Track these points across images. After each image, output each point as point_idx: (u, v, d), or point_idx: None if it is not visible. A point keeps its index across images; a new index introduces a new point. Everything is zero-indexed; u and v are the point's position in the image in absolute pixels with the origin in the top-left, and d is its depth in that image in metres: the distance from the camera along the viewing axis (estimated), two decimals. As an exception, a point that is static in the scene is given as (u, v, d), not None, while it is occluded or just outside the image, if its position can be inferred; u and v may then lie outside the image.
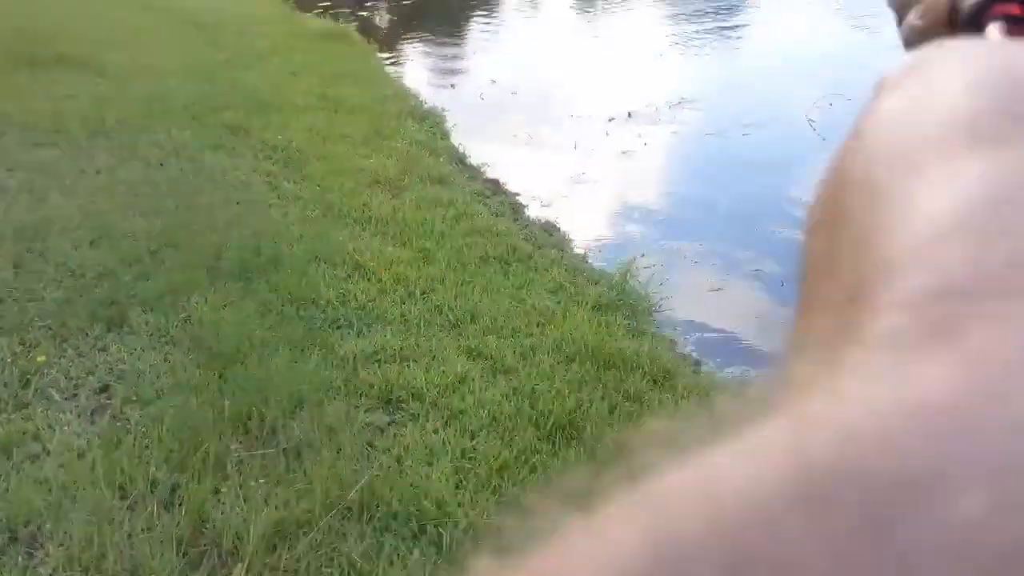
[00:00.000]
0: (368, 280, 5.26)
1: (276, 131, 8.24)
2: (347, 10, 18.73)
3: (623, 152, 8.33)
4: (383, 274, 5.32)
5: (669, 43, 12.68)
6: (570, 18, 16.08)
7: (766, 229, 6.40)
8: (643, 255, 6.22)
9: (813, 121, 8.42)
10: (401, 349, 4.50)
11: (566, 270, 5.72)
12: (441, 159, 8.06)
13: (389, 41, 15.14)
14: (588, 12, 16.32)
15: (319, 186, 6.93)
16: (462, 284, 5.32)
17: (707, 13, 14.64)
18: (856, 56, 10.63)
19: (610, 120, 9.24)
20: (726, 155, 8.02)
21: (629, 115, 9.27)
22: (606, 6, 16.51)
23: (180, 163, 7.11)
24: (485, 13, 17.70)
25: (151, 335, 4.40)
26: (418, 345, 4.55)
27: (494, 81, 11.43)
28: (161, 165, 7.02)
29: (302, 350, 4.41)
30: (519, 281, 5.47)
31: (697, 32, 13.32)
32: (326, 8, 19.12)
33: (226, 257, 5.30)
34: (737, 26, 13.84)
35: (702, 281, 5.81)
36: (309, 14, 17.38)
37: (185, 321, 4.56)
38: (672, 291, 5.65)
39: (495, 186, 7.67)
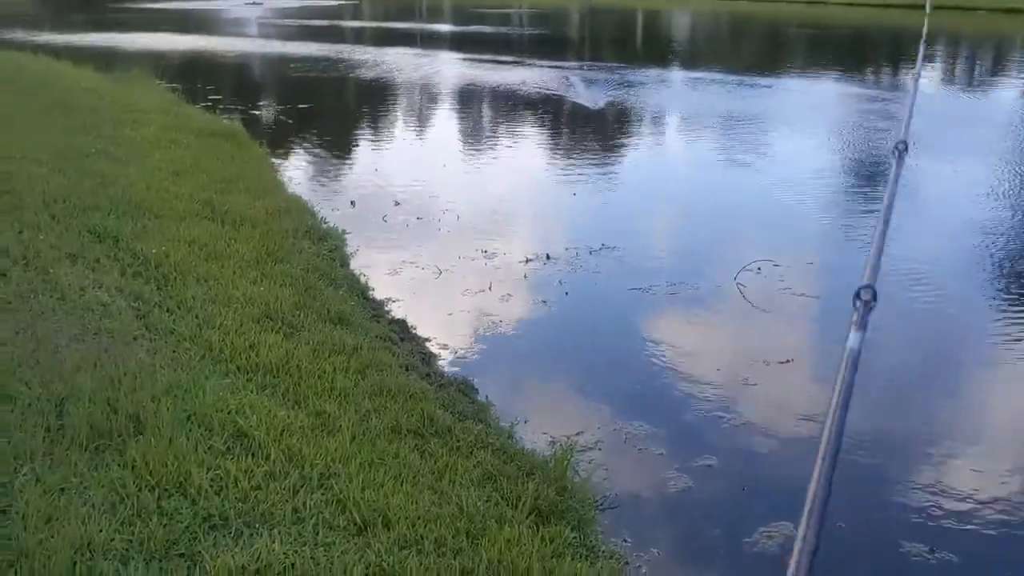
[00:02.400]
0: (252, 456, 4.19)
1: (151, 241, 7.12)
2: (237, 107, 17.79)
3: (543, 301, 7.53)
4: (271, 448, 4.26)
5: (580, 178, 12.17)
6: (470, 140, 15.53)
7: (714, 413, 5.64)
8: (577, 433, 5.36)
9: (743, 286, 7.87)
10: (292, 566, 3.44)
11: (493, 452, 4.78)
12: (341, 291, 7.09)
13: (283, 145, 14.22)
14: (492, 136, 15.81)
15: (197, 317, 5.84)
16: (370, 467, 4.31)
17: (611, 151, 14.33)
18: (781, 221, 10.31)
19: (527, 261, 8.48)
20: (657, 315, 7.32)
21: (548, 257, 8.54)
22: (507, 130, 16.07)
23: (27, 275, 5.90)
24: (384, 126, 17.03)
25: (-52, 537, 3.22)
26: (314, 561, 3.50)
27: (397, 203, 10.60)
28: (3, 275, 5.80)
29: (160, 565, 3.29)
30: (440, 465, 4.49)
31: (605, 172, 12.90)
32: (215, 102, 18.13)
33: (71, 413, 4.15)
34: (645, 166, 13.52)
35: (650, 476, 4.95)
36: (197, 106, 16.37)
37: (1, 515, 3.39)
38: (616, 485, 4.77)
39: (403, 329, 6.73)
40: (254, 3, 52.76)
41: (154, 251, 6.86)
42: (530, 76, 23.33)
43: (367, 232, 9.31)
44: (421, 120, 17.76)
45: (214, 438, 4.26)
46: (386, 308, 7.22)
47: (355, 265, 8.14)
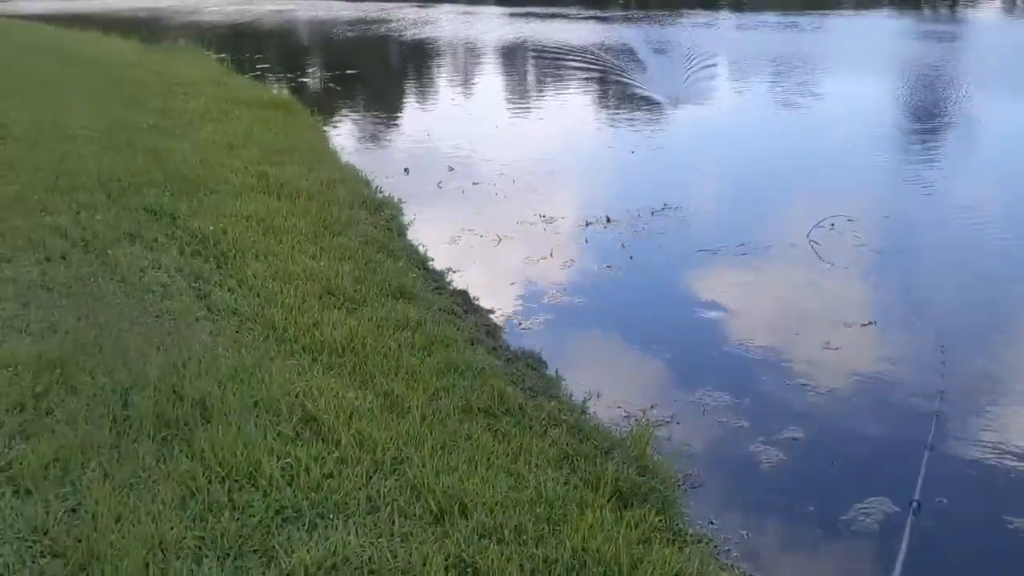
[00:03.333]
0: (323, 441, 4.05)
1: (208, 218, 7.01)
2: (285, 75, 17.66)
3: (608, 266, 7.30)
4: (341, 432, 4.12)
5: (641, 139, 11.84)
6: (520, 100, 15.21)
7: (796, 382, 5.38)
8: (652, 407, 5.15)
9: (817, 244, 7.55)
10: (369, 560, 3.29)
11: (568, 431, 4.59)
12: (401, 263, 6.92)
13: (333, 113, 14.06)
14: (541, 95, 15.46)
15: (258, 296, 5.71)
16: (443, 450, 4.14)
17: (665, 104, 13.93)
18: (852, 174, 9.90)
19: (587, 224, 8.24)
20: (727, 278, 7.05)
21: (608, 220, 8.28)
22: (555, 89, 15.71)
23: (87, 258, 5.82)
24: (432, 88, 16.78)
25: (17, 541, 3.11)
26: (392, 554, 3.35)
27: (451, 168, 10.39)
28: (63, 259, 5.73)
29: (234, 563, 3.17)
30: (514, 447, 4.32)
31: (661, 127, 12.54)
32: (263, 72, 18.02)
33: (136, 403, 4.05)
34: (702, 119, 13.12)
35: (733, 451, 4.73)
36: (246, 76, 16.28)
37: (71, 515, 3.29)
38: (698, 461, 4.57)
39: (465, 301, 6.54)
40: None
41: (211, 228, 6.75)
42: (580, 29, 22.89)
43: (423, 200, 9.12)
44: (469, 81, 17.49)
45: (282, 424, 4.12)
46: (447, 279, 7.04)
47: (413, 235, 7.96)
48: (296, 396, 4.40)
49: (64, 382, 4.16)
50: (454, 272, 7.21)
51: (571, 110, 13.86)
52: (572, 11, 27.54)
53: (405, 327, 5.56)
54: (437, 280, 6.96)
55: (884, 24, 22.82)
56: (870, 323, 6.14)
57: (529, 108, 14.31)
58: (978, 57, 18.03)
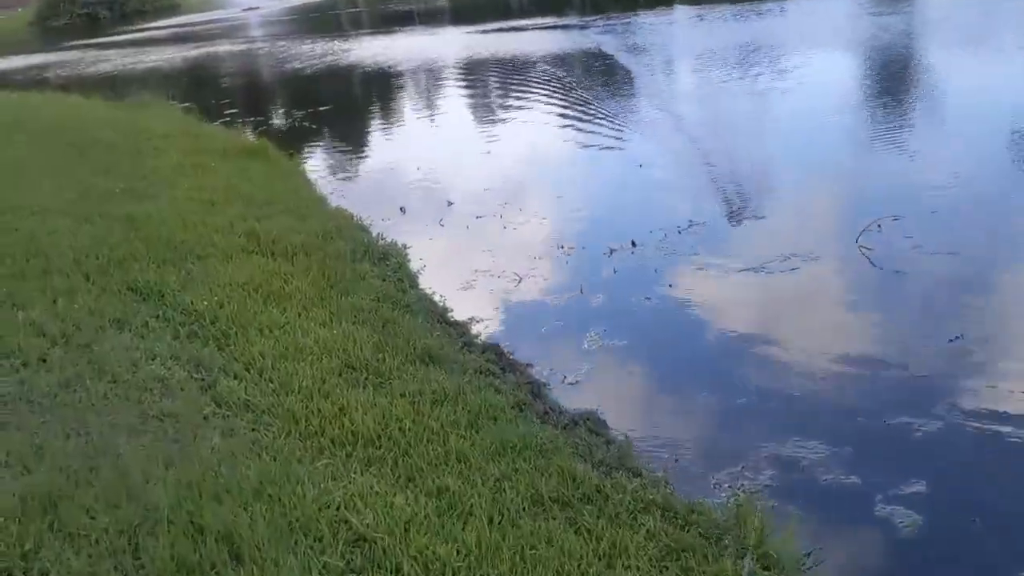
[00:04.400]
0: (380, 569, 3.33)
1: (199, 290, 6.28)
2: (255, 118, 16.96)
3: (646, 298, 6.61)
4: (400, 554, 3.40)
5: (639, 148, 11.19)
6: (505, 120, 14.54)
7: (898, 419, 4.70)
8: (741, 467, 4.45)
9: (867, 249, 6.90)
10: None
11: (662, 515, 3.89)
12: (420, 320, 6.21)
13: (312, 154, 13.36)
14: (527, 114, 14.77)
15: (271, 380, 4.99)
16: (523, 561, 3.44)
17: (657, 110, 13.27)
18: (885, 169, 9.26)
19: (612, 252, 7.55)
20: (784, 301, 6.38)
21: (633, 245, 7.60)
22: (540, 107, 15.04)
23: (70, 356, 5.07)
24: (412, 117, 16.10)
25: None
26: None
27: (451, 203, 9.70)
28: (43, 362, 4.99)
29: None
30: (605, 546, 3.60)
31: (661, 136, 11.90)
32: (232, 117, 17.31)
33: (150, 547, 3.32)
34: (699, 121, 12.47)
35: (851, 515, 4.04)
36: (215, 123, 15.57)
37: None
38: (818, 535, 3.87)
39: (499, 357, 5.83)
40: (251, 8, 51.82)
41: (206, 303, 6.02)
42: (544, 40, 22.32)
43: (427, 241, 8.43)
44: (446, 106, 16.77)
45: (327, 551, 3.40)
46: (473, 332, 6.34)
47: (425, 283, 7.26)
48: (337, 509, 3.68)
49: (58, 528, 3.43)
50: (478, 322, 6.51)
51: (564, 127, 13.17)
52: (529, 22, 26.99)
53: (443, 400, 4.85)
54: (462, 334, 6.26)
55: (842, 4, 22.42)
56: (956, 338, 5.48)
57: (518, 129, 13.63)
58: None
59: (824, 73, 14.81)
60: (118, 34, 45.15)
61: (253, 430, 4.43)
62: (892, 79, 13.83)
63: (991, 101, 11.29)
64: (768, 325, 6.04)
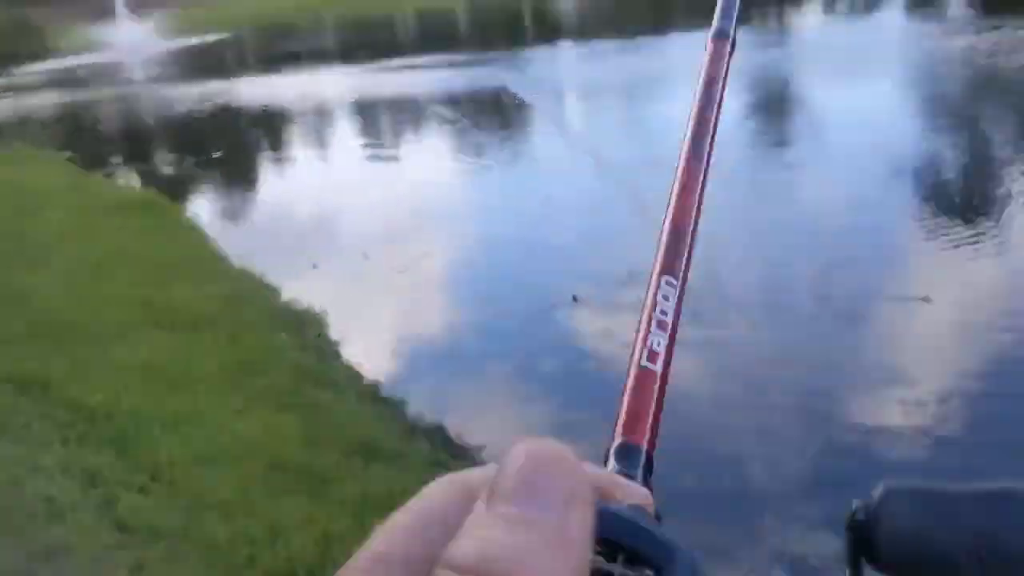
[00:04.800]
0: None
1: (91, 379, 5.45)
2: (144, 168, 15.91)
3: (597, 365, 6.04)
4: None
5: (558, 190, 10.69)
6: (414, 163, 13.90)
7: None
8: None
9: (827, 298, 6.51)
10: None
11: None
12: (352, 401, 5.51)
13: (209, 207, 12.46)
14: (433, 154, 14.15)
15: (184, 493, 4.22)
16: None
17: (560, 149, 12.81)
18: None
19: (552, 307, 6.98)
20: (762, 367, 5.88)
21: (575, 299, 7.05)
22: (448, 146, 14.46)
23: (-67, 481, 4.22)
24: (312, 162, 15.31)
25: None
26: None
27: (367, 256, 8.99)
28: (-102, 489, 4.12)
29: None
30: None
31: (574, 174, 11.42)
32: (118, 167, 16.22)
33: None
34: (593, 161, 12.04)
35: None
36: (100, 175, 14.50)
37: None
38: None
39: (447, 442, 5.16)
40: (133, 51, 49.88)
41: (99, 395, 5.19)
42: (435, 77, 21.85)
43: (346, 300, 7.70)
44: (345, 148, 15.97)
45: None
46: (412, 410, 5.65)
47: (350, 353, 6.55)
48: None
49: None
50: (417, 397, 5.83)
51: (469, 167, 12.60)
52: (419, 60, 26.49)
53: (392, 508, 4.16)
54: (401, 415, 5.57)
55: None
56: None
57: (429, 171, 12.98)
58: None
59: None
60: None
61: (168, 563, 3.66)
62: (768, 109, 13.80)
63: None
64: (765, 404, 5.53)
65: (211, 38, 52.30)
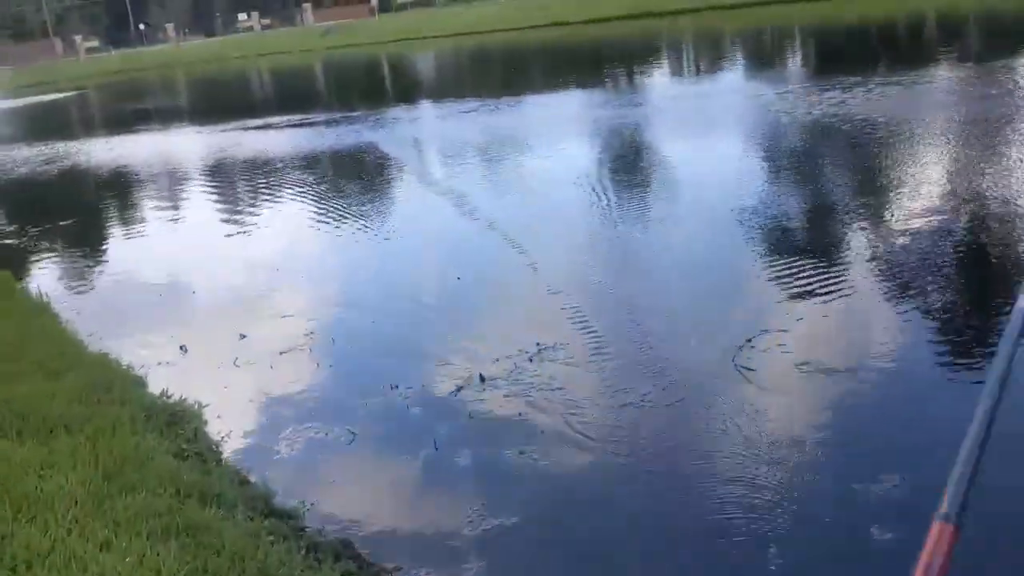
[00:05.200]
0: None
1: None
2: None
3: (520, 452, 5.40)
4: None
5: (458, 260, 10.11)
6: (286, 229, 13.08)
7: None
8: None
9: (749, 370, 6.10)
10: None
11: None
12: (238, 517, 4.69)
13: (60, 284, 11.30)
14: (307, 218, 13.34)
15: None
16: None
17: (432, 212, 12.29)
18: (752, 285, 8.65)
19: (459, 389, 6.34)
20: (685, 445, 5.37)
21: (482, 379, 6.42)
22: (317, 209, 13.70)
23: None
24: (176, 231, 14.25)
25: None
26: None
27: (243, 336, 8.15)
28: None
29: None
30: None
31: (485, 245, 10.91)
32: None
33: None
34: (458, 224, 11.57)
35: None
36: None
37: None
38: None
39: (361, 567, 4.41)
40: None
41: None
42: (292, 137, 21.13)
43: (224, 390, 6.87)
44: (204, 214, 14.95)
45: None
46: (311, 524, 4.88)
47: (233, 454, 5.73)
48: None
49: None
50: (315, 507, 5.07)
51: (350, 232, 11.88)
52: (275, 119, 25.70)
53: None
54: (300, 530, 4.79)
55: (569, 99, 23.09)
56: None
57: (304, 238, 12.19)
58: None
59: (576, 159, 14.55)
60: None
61: None
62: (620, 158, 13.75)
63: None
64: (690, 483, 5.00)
65: (52, 96, 49.82)
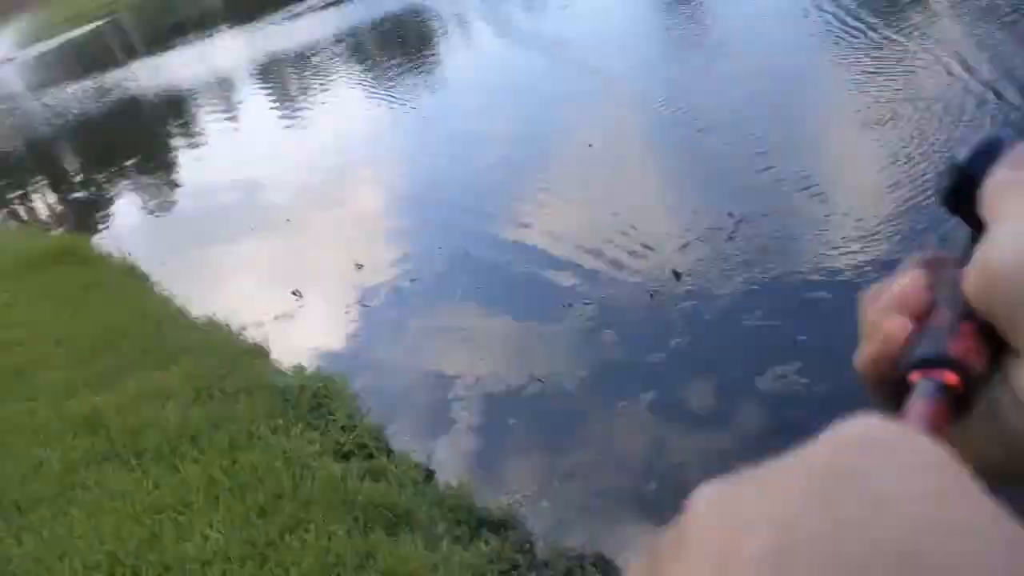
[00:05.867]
0: None
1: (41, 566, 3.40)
2: (52, 199, 13.44)
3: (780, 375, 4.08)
4: None
5: (596, 131, 8.58)
6: (375, 132, 11.65)
7: None
8: None
9: (682, 274, 4.59)
10: None
11: None
12: (466, 553, 3.50)
13: (142, 236, 10.17)
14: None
15: None
16: None
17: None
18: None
19: (653, 294, 4.99)
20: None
21: (678, 276, 5.06)
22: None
23: None
24: (252, 149, 12.94)
25: None
26: None
27: (359, 265, 6.89)
28: None
29: None
30: None
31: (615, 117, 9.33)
32: (22, 200, 13.74)
33: None
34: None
35: None
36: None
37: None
38: None
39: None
40: (7, 59, 45.88)
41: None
42: (333, 21, 19.38)
43: (358, 338, 5.68)
44: (271, 125, 13.53)
45: None
46: (522, 534, 3.67)
47: (404, 439, 4.52)
48: None
49: None
50: (526, 506, 3.85)
51: (447, 117, 10.40)
52: (307, 5, 23.77)
53: None
54: (530, 564, 3.57)
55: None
56: None
57: (397, 138, 10.75)
58: None
59: None
60: None
61: None
62: None
63: None
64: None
65: (85, 28, 48.37)
